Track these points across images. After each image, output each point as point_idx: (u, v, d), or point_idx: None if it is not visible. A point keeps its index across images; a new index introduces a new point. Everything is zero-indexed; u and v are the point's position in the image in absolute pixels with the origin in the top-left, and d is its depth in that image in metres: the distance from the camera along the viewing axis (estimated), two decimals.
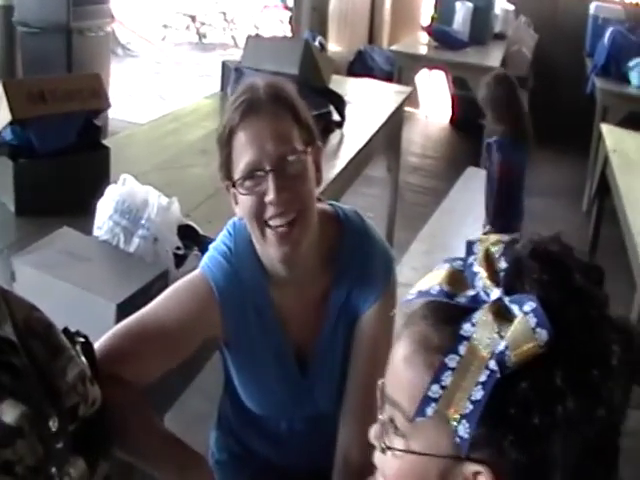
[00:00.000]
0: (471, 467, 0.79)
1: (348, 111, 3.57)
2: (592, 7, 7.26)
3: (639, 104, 5.69)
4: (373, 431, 0.90)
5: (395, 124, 4.29)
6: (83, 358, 1.28)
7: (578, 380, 0.76)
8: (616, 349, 0.78)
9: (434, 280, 0.84)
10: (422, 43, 7.21)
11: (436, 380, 0.78)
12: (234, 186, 1.48)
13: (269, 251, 1.50)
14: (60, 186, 2.30)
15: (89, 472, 1.20)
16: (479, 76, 4.39)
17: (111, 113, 4.66)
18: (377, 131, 3.69)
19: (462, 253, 0.86)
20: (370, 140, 3.54)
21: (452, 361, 0.77)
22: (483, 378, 0.75)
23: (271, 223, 1.46)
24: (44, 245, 1.83)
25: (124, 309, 1.62)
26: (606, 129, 4.62)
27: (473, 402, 0.75)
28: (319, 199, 1.60)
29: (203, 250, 1.77)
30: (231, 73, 3.53)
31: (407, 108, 5.08)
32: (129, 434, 1.38)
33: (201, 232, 2.07)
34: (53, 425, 1.13)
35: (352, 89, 4.31)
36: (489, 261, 0.83)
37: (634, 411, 0.84)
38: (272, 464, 1.77)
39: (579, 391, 0.75)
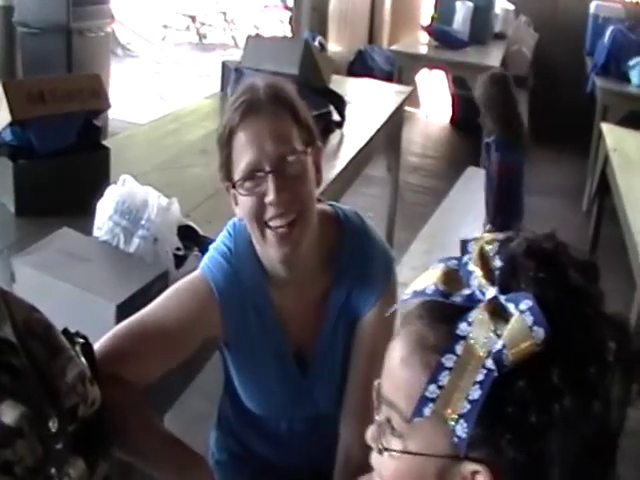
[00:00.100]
0: (469, 466, 0.79)
1: (348, 111, 3.57)
2: (592, 6, 7.26)
3: (639, 103, 5.68)
4: (370, 432, 0.90)
5: (395, 124, 4.29)
6: (83, 359, 1.28)
7: (575, 378, 0.76)
8: (612, 345, 0.78)
9: (429, 280, 0.84)
10: (422, 43, 7.21)
11: (433, 380, 0.77)
12: (234, 187, 1.48)
13: (269, 252, 1.50)
14: (60, 187, 2.30)
15: (88, 472, 1.20)
16: (479, 76, 4.38)
17: (111, 113, 4.66)
18: (377, 131, 3.69)
19: None
20: (370, 140, 3.53)
21: (449, 361, 0.77)
22: (480, 377, 0.75)
23: (271, 224, 1.46)
24: (44, 246, 1.83)
25: (124, 310, 1.62)
26: (606, 128, 4.62)
27: (471, 402, 0.75)
28: (319, 199, 1.60)
29: (203, 251, 1.77)
30: (231, 73, 3.53)
31: (407, 108, 5.08)
32: (129, 434, 1.38)
33: (201, 232, 2.06)
34: (53, 426, 1.13)
35: (352, 89, 4.31)
36: (484, 260, 0.83)
37: (634, 411, 0.84)
38: (272, 464, 1.77)
39: (576, 389, 0.76)
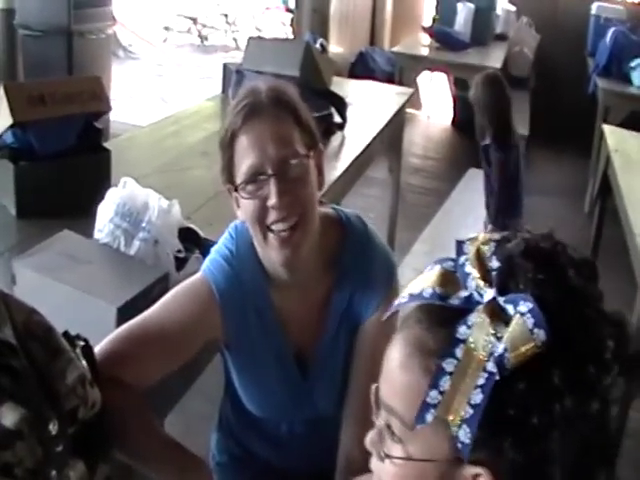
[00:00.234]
0: (471, 470, 0.79)
1: (349, 113, 3.57)
2: (594, 7, 7.26)
3: None
4: (370, 438, 0.89)
5: (396, 125, 4.28)
6: (83, 361, 1.28)
7: (575, 378, 0.76)
8: (610, 344, 0.78)
9: (425, 282, 0.84)
10: (423, 44, 7.21)
11: (434, 385, 0.77)
12: (236, 190, 1.48)
13: (270, 254, 1.50)
14: (61, 189, 2.30)
15: (89, 475, 1.21)
16: (474, 76, 4.39)
17: (113, 116, 4.65)
18: (378, 133, 3.69)
19: None
20: (371, 142, 3.53)
21: (449, 365, 0.77)
22: (482, 381, 0.75)
23: (273, 227, 1.46)
24: (45, 248, 1.82)
25: (125, 312, 1.61)
26: (608, 129, 4.61)
27: (473, 406, 0.75)
28: (321, 202, 1.60)
29: (204, 253, 1.77)
30: (232, 75, 3.53)
31: (408, 109, 5.08)
32: (129, 437, 1.38)
33: (202, 235, 2.06)
34: (53, 428, 1.13)
35: (353, 91, 4.31)
36: (481, 260, 0.82)
37: (634, 413, 0.84)
38: (272, 466, 1.77)
39: (576, 388, 0.75)
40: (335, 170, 2.99)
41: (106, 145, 2.62)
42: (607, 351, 0.78)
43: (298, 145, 1.47)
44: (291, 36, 7.75)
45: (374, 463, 0.89)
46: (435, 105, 8.44)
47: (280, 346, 1.60)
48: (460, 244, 0.85)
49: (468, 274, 0.82)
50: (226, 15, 12.03)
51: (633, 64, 5.92)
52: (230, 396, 1.73)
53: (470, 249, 0.84)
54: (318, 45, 4.37)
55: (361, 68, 7.66)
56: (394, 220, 4.62)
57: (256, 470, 1.80)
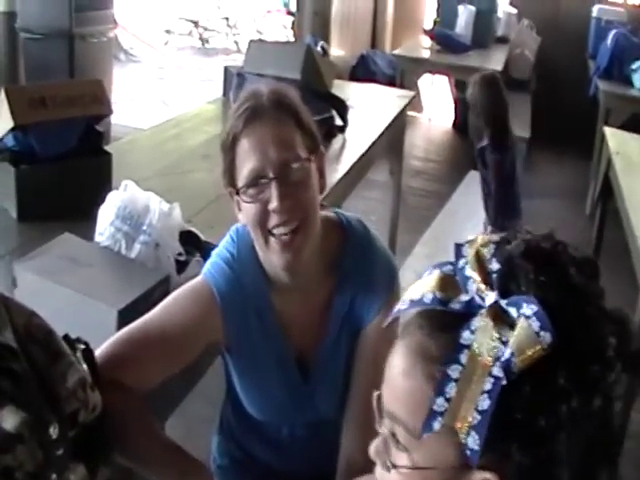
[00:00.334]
0: (479, 475, 0.78)
1: (350, 116, 3.57)
2: (595, 9, 7.27)
3: None
4: (374, 447, 0.88)
5: (398, 128, 4.28)
6: (84, 364, 1.28)
7: (580, 377, 0.75)
8: (613, 341, 0.78)
9: (425, 287, 0.82)
10: (425, 47, 7.23)
11: (440, 392, 0.76)
12: (237, 193, 1.48)
13: (272, 258, 1.50)
14: (61, 192, 2.30)
15: (89, 478, 1.20)
16: (471, 77, 4.39)
17: (114, 119, 4.65)
18: (380, 135, 3.69)
19: None
20: (373, 144, 3.53)
21: (454, 371, 0.76)
22: (488, 387, 0.74)
23: (274, 231, 1.46)
24: (45, 251, 1.82)
25: (125, 315, 1.61)
26: (609, 131, 4.61)
27: (480, 412, 0.74)
28: (322, 205, 1.59)
29: (205, 256, 1.77)
30: (233, 78, 3.53)
31: (410, 112, 5.08)
32: (130, 440, 1.38)
33: (203, 238, 2.06)
34: (53, 431, 1.13)
35: (354, 93, 4.31)
36: (480, 263, 0.81)
37: (635, 414, 0.84)
38: (273, 470, 1.77)
39: (581, 388, 0.75)
40: (336, 173, 2.98)
41: (107, 148, 2.62)
42: (610, 349, 0.77)
43: (299, 148, 1.46)
44: (292, 39, 7.77)
45: (379, 472, 0.87)
46: (436, 108, 8.45)
47: (281, 349, 1.60)
48: (458, 247, 0.84)
49: (468, 277, 0.81)
50: (227, 18, 12.05)
51: (634, 66, 5.93)
52: (231, 399, 1.73)
53: (469, 252, 0.83)
54: (319, 48, 4.38)
55: (362, 71, 7.67)
56: (395, 223, 4.62)
57: (257, 473, 1.80)
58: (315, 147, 1.51)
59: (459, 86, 7.44)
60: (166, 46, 11.59)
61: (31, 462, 1.08)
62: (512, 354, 0.73)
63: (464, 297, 0.80)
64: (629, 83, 5.96)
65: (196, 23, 12.03)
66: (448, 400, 0.75)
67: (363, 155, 3.35)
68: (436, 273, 0.84)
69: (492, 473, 0.77)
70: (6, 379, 1.10)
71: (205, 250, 1.89)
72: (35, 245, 1.88)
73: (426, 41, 7.32)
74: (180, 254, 1.92)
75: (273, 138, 1.44)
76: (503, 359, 0.74)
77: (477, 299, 0.79)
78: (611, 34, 6.24)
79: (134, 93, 8.52)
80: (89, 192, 2.04)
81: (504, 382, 0.73)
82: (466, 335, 0.77)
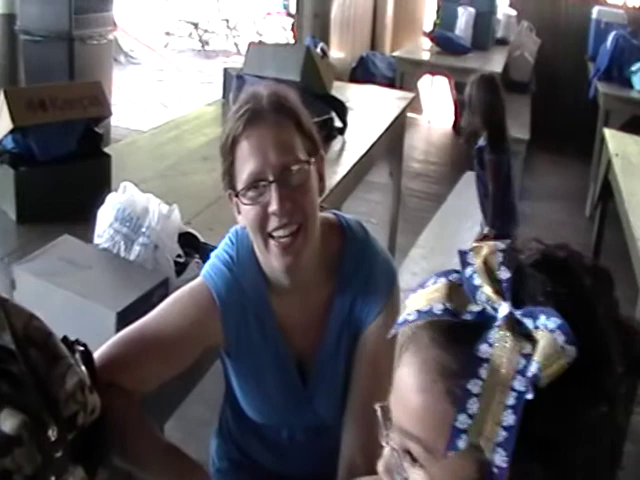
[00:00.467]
0: None
1: (350, 117, 3.57)
2: (594, 11, 7.27)
3: None
4: (384, 463, 0.85)
5: (397, 130, 4.28)
6: (82, 367, 1.28)
7: (597, 388, 0.74)
8: (624, 350, 0.76)
9: (433, 297, 0.79)
10: (424, 49, 7.24)
11: (462, 409, 0.73)
12: (237, 196, 1.48)
13: (271, 261, 1.49)
14: (61, 194, 2.30)
15: None
16: (470, 76, 4.38)
17: (114, 121, 4.67)
18: (379, 137, 3.69)
19: None
20: (372, 146, 3.53)
21: (475, 386, 0.73)
22: (511, 401, 0.71)
23: (274, 234, 1.46)
24: (45, 253, 1.82)
25: (124, 317, 1.61)
26: (609, 133, 4.61)
27: (506, 428, 0.71)
28: (321, 207, 1.59)
29: (204, 258, 1.76)
30: (233, 80, 3.53)
31: (409, 114, 5.07)
32: (128, 443, 1.37)
33: (202, 240, 2.06)
34: (52, 434, 1.13)
35: (354, 95, 4.32)
36: (489, 272, 0.79)
37: (636, 416, 0.84)
38: (272, 473, 1.77)
39: (598, 398, 0.74)
40: (336, 175, 2.98)
41: (106, 150, 2.62)
42: (622, 358, 0.76)
43: (299, 151, 1.46)
44: (292, 41, 7.77)
45: None
46: (436, 109, 8.45)
47: (280, 352, 1.59)
48: (463, 254, 0.81)
49: (477, 287, 0.78)
50: (227, 20, 12.06)
51: (634, 68, 5.93)
52: (230, 402, 1.73)
53: (476, 260, 0.80)
54: (319, 50, 4.38)
55: (362, 73, 7.68)
56: (395, 225, 4.62)
57: (256, 476, 1.79)
58: (315, 150, 1.51)
59: (459, 88, 7.45)
60: (166, 48, 11.60)
61: (30, 465, 1.07)
62: (539, 369, 0.71)
63: (475, 307, 0.78)
64: (629, 85, 5.97)
65: (196, 25, 12.04)
66: (471, 416, 0.72)
67: (363, 157, 3.35)
68: (443, 282, 0.81)
69: None
70: (4, 381, 1.10)
71: (204, 252, 1.88)
72: (34, 247, 1.87)
73: (426, 43, 7.33)
74: (179, 256, 1.92)
75: (273, 141, 1.43)
76: (530, 374, 0.71)
77: (489, 309, 0.77)
78: (611, 36, 6.25)
79: (134, 95, 8.53)
80: (88, 194, 2.03)
81: (529, 396, 0.71)
82: (484, 348, 0.74)
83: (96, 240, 1.93)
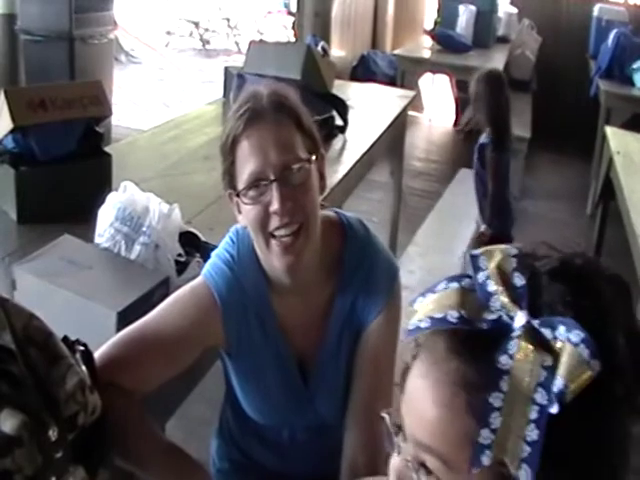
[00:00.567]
0: None
1: (351, 116, 3.57)
2: (596, 9, 7.26)
3: None
4: (397, 474, 0.82)
5: (398, 128, 4.28)
6: (83, 367, 1.27)
7: (616, 399, 0.73)
8: (636, 357, 0.75)
9: (445, 303, 0.77)
10: (425, 47, 7.24)
11: (485, 424, 0.70)
12: (238, 195, 1.47)
13: (273, 260, 1.49)
14: (61, 194, 2.29)
15: None
16: (476, 71, 4.36)
17: (114, 120, 4.66)
18: (380, 136, 3.68)
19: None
20: (373, 145, 3.52)
21: (496, 400, 0.70)
22: (534, 415, 0.69)
23: (276, 233, 1.46)
24: (45, 253, 1.82)
25: (125, 317, 1.61)
26: (610, 131, 4.60)
27: (530, 443, 0.69)
28: (322, 205, 1.59)
29: (205, 257, 1.76)
30: (233, 79, 3.53)
31: (410, 112, 5.07)
32: (129, 443, 1.37)
33: (203, 239, 2.06)
34: (52, 434, 1.13)
35: (355, 94, 4.31)
36: (504, 278, 0.76)
37: None
38: (273, 473, 1.76)
39: (617, 410, 0.73)
40: (336, 173, 2.98)
41: (107, 149, 2.61)
42: (635, 366, 0.74)
43: (300, 150, 1.46)
44: (293, 39, 7.76)
45: None
46: (437, 108, 8.44)
47: (281, 352, 1.59)
48: (474, 258, 0.79)
49: (492, 293, 0.76)
50: (228, 19, 12.06)
51: (635, 66, 5.93)
52: (231, 402, 1.72)
53: (488, 265, 0.78)
54: (320, 48, 4.37)
55: (363, 71, 7.68)
56: (396, 223, 4.62)
57: (257, 477, 1.79)
58: (315, 148, 1.51)
59: (460, 86, 7.45)
60: (167, 47, 11.60)
61: (30, 465, 1.07)
62: (564, 385, 0.69)
63: (490, 315, 0.75)
64: (630, 83, 5.96)
65: (197, 24, 12.04)
66: (494, 431, 0.70)
67: (363, 155, 3.35)
68: (455, 287, 0.78)
69: None
70: (4, 382, 1.09)
71: (205, 251, 1.88)
72: (35, 247, 1.87)
73: (427, 41, 7.33)
74: (180, 255, 1.92)
75: (273, 140, 1.43)
76: (556, 389, 0.69)
77: (504, 317, 0.74)
78: (612, 34, 6.24)
79: (134, 95, 8.52)
80: (89, 194, 2.03)
81: (554, 411, 0.69)
82: (504, 359, 0.72)
83: (97, 240, 1.93)
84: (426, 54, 7.05)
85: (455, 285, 0.78)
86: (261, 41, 6.28)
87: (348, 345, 1.59)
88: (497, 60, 6.80)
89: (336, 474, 1.56)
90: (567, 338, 0.70)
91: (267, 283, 1.56)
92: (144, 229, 1.87)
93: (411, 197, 5.66)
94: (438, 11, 7.78)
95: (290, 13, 10.54)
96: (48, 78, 4.69)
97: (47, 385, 1.16)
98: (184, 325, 1.50)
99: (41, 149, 2.31)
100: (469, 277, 0.79)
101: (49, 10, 5.03)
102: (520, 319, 0.73)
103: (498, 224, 4.06)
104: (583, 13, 7.56)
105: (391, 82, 6.67)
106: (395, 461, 0.83)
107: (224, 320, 1.54)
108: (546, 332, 0.72)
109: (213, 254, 1.61)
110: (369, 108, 4.11)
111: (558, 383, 0.69)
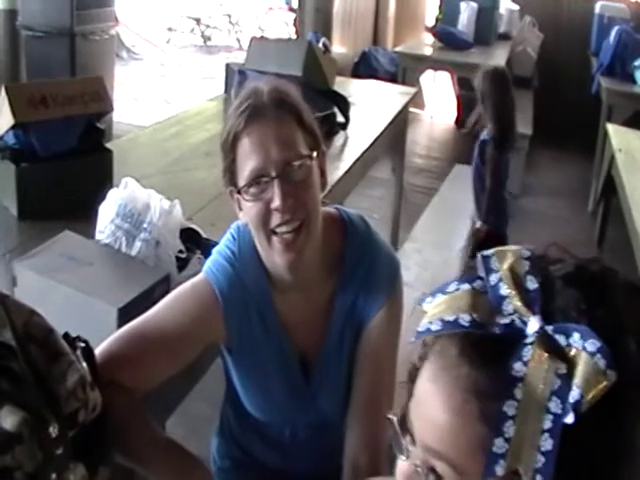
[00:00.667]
0: None
1: (352, 112, 3.57)
2: (597, 6, 7.25)
3: None
4: (404, 477, 0.80)
5: (400, 125, 4.28)
6: (84, 363, 1.27)
7: (630, 407, 0.72)
8: None
9: (457, 306, 0.75)
10: (427, 44, 7.22)
11: (499, 433, 0.69)
12: (239, 192, 1.47)
13: (274, 257, 1.49)
14: (62, 190, 2.29)
15: (89, 478, 1.20)
16: (481, 66, 4.34)
17: (116, 116, 4.67)
18: (381, 132, 3.68)
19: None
20: (374, 141, 3.52)
21: (510, 408, 0.69)
22: (548, 425, 0.68)
23: (277, 230, 1.45)
24: (46, 249, 1.82)
25: (125, 313, 1.61)
26: (612, 129, 4.60)
27: (544, 454, 0.68)
28: (323, 202, 1.59)
29: (206, 254, 1.76)
30: (235, 75, 3.52)
31: (412, 109, 5.07)
32: (129, 440, 1.37)
33: (204, 235, 2.05)
34: (53, 431, 1.13)
35: (356, 90, 4.31)
36: (517, 281, 0.75)
37: None
38: (275, 471, 1.76)
39: (631, 417, 0.72)
40: (338, 170, 2.98)
41: (108, 146, 2.61)
42: None
43: (301, 147, 1.46)
44: (294, 36, 7.76)
45: None
46: (438, 105, 8.44)
47: (283, 349, 1.58)
48: (486, 259, 0.77)
49: (504, 297, 0.74)
50: (229, 15, 12.05)
51: (637, 63, 5.92)
52: (231, 400, 1.72)
53: (500, 267, 0.76)
54: (321, 45, 4.37)
55: (364, 68, 7.66)
56: (397, 220, 4.62)
57: (258, 475, 1.78)
58: (316, 145, 1.50)
59: (461, 83, 7.44)
60: (168, 44, 11.59)
61: (30, 462, 1.07)
62: (581, 395, 0.68)
63: (503, 320, 0.74)
64: (632, 80, 5.95)
65: (198, 21, 12.03)
66: (508, 440, 0.69)
67: (365, 152, 3.35)
68: (466, 289, 0.77)
69: None
70: (5, 379, 1.09)
71: (206, 248, 1.88)
72: (35, 243, 1.87)
73: (428, 38, 7.31)
74: (181, 252, 1.92)
75: (274, 137, 1.43)
76: (572, 400, 0.68)
77: (517, 322, 0.73)
78: (614, 31, 6.23)
79: (136, 91, 8.52)
80: (90, 190, 2.03)
81: (569, 421, 0.68)
82: (518, 366, 0.70)
83: (97, 236, 1.93)
84: (427, 51, 7.04)
85: (466, 287, 0.77)
86: (262, 37, 6.28)
87: (350, 342, 1.58)
88: (499, 57, 6.79)
89: (337, 472, 1.56)
90: (582, 346, 0.69)
91: (268, 280, 1.56)
92: (145, 225, 1.86)
93: (412, 194, 5.66)
94: (439, 8, 7.76)
95: (291, 9, 10.53)
96: (49, 74, 4.68)
97: (48, 382, 1.16)
98: (185, 322, 1.50)
99: (42, 145, 2.31)
100: (480, 278, 0.77)
101: (50, 6, 5.03)
102: (534, 324, 0.72)
103: (493, 220, 4.05)
104: (585, 10, 7.55)
105: (392, 79, 6.65)
106: (403, 465, 0.81)
107: (225, 317, 1.53)
108: (560, 339, 0.70)
109: (214, 251, 1.61)
110: (370, 105, 4.11)
111: (574, 393, 0.68)
